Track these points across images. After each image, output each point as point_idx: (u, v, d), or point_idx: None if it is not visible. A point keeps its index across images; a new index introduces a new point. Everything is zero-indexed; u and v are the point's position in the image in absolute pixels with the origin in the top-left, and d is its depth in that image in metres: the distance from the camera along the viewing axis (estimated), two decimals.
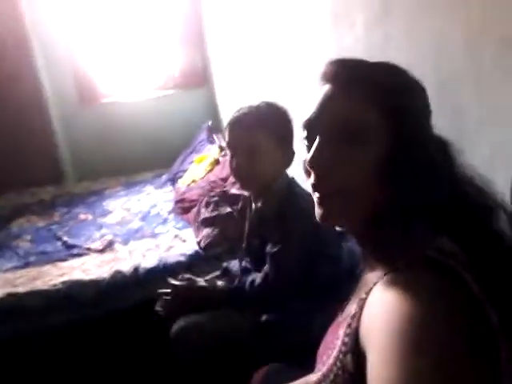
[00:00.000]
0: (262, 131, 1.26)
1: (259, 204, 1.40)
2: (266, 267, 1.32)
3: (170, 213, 2.54)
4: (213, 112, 3.66)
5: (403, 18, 1.24)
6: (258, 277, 1.35)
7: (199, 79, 3.69)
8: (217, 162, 2.78)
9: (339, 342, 0.55)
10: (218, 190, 2.29)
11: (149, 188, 3.04)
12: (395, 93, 0.56)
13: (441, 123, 0.60)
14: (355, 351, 0.49)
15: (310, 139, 0.60)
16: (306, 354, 1.29)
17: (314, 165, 0.56)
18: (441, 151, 0.56)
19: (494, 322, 0.44)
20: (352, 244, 1.41)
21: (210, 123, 3.37)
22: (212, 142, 3.17)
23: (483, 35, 1.00)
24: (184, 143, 3.40)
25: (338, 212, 0.58)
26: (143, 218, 2.53)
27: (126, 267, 1.95)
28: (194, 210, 2.33)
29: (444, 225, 0.54)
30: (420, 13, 1.17)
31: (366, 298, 0.51)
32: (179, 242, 2.14)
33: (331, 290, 1.30)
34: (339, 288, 1.30)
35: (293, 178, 1.36)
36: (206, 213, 2.14)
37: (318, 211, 0.59)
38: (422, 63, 1.11)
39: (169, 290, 1.48)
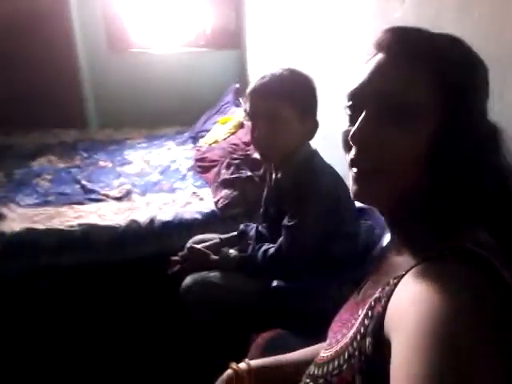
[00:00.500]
0: (283, 100, 1.21)
1: (279, 174, 1.38)
2: (281, 239, 1.31)
3: (189, 170, 2.54)
4: (242, 75, 3.60)
5: None
6: (271, 247, 1.34)
7: (232, 40, 3.61)
8: (241, 125, 2.74)
9: (357, 323, 0.54)
10: (240, 153, 2.27)
11: (170, 143, 3.03)
12: (456, 68, 0.52)
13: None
14: (377, 336, 0.47)
15: (354, 110, 0.56)
16: (311, 324, 1.31)
17: (357, 139, 0.53)
18: (492, 138, 0.53)
19: None
20: (371, 222, 1.42)
21: (237, 86, 3.32)
22: (238, 104, 3.12)
23: None
24: (209, 103, 3.36)
25: (374, 191, 0.55)
26: (162, 172, 2.54)
27: (142, 218, 1.97)
28: (214, 170, 2.33)
29: (483, 216, 0.52)
30: None
31: (395, 285, 0.48)
32: (196, 199, 2.14)
33: (345, 267, 1.30)
34: (354, 265, 1.32)
35: (315, 151, 1.33)
36: (226, 174, 2.13)
37: (353, 187, 0.56)
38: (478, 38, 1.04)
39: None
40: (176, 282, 1.48)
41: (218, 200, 2.02)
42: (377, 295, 0.52)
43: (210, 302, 1.42)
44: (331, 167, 1.32)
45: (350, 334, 0.55)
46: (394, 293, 0.47)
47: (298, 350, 0.90)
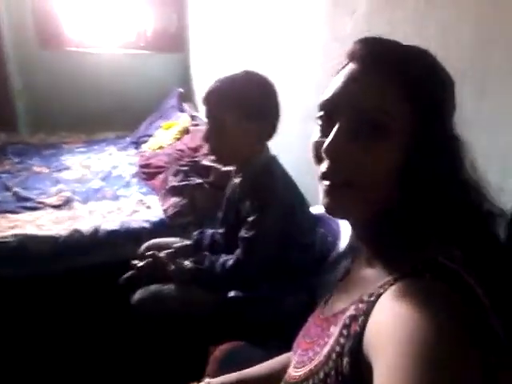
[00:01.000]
0: (227, 106, 1.18)
1: (238, 179, 1.37)
2: (238, 251, 1.30)
3: (133, 176, 2.45)
4: (185, 79, 3.55)
5: (409, 8, 1.23)
6: (229, 260, 1.32)
7: (174, 43, 3.55)
8: (186, 130, 2.71)
9: (331, 341, 0.53)
10: (187, 160, 2.24)
11: (111, 148, 2.92)
12: (427, 81, 0.52)
13: None
14: (355, 356, 0.47)
15: (326, 121, 0.55)
16: (270, 334, 1.32)
17: (330, 153, 0.52)
18: (459, 151, 0.53)
19: (498, 331, 0.44)
20: (323, 230, 1.46)
21: (181, 90, 3.27)
22: (182, 109, 3.08)
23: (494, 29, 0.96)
24: (151, 107, 3.28)
25: (346, 204, 0.54)
26: (104, 179, 2.43)
27: (85, 227, 1.87)
28: (161, 176, 2.27)
29: (452, 229, 0.52)
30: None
31: (373, 303, 0.48)
32: (143, 207, 2.07)
33: (302, 275, 1.33)
34: (310, 273, 1.35)
35: (274, 157, 1.32)
36: (174, 181, 2.09)
37: (324, 200, 0.55)
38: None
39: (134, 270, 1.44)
40: (125, 294, 1.42)
41: (167, 208, 1.97)
42: (352, 313, 0.51)
43: (164, 314, 1.37)
44: (288, 175, 1.33)
45: (324, 352, 0.54)
46: (373, 312, 0.47)
47: (258, 361, 0.89)
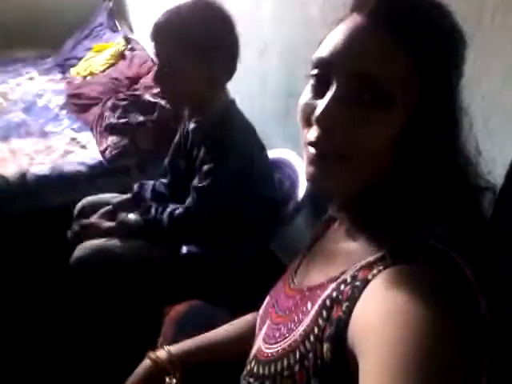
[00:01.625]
0: (178, 43, 1.03)
1: (192, 124, 1.23)
2: (189, 200, 1.19)
3: (61, 108, 2.16)
4: None
5: None
6: (177, 209, 1.21)
7: None
8: (121, 55, 2.40)
9: (308, 321, 0.50)
10: (127, 92, 1.99)
11: (32, 72, 2.53)
12: (444, 50, 0.46)
13: None
14: (337, 344, 0.44)
15: (319, 81, 0.48)
16: (227, 292, 1.28)
17: (323, 122, 0.46)
18: (461, 124, 0.49)
19: (483, 312, 0.43)
20: (280, 176, 1.39)
21: (110, 4, 2.85)
22: (114, 29, 2.72)
23: None
24: (76, 22, 2.85)
25: (336, 178, 0.48)
26: (27, 110, 2.11)
27: (10, 171, 1.63)
28: (95, 110, 2.01)
29: (441, 207, 0.49)
30: None
31: (358, 289, 0.44)
32: (77, 147, 1.84)
33: (257, 229, 1.27)
34: (266, 225, 1.29)
35: (233, 101, 1.18)
36: (111, 118, 1.86)
37: (309, 168, 0.49)
38: None
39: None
40: (63, 247, 1.29)
41: (106, 149, 1.77)
42: (332, 294, 0.47)
43: (109, 274, 1.27)
44: (247, 121, 1.20)
45: (300, 331, 0.50)
46: (360, 299, 0.43)
47: (218, 322, 0.84)
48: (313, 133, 0.47)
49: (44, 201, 1.62)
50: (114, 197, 1.44)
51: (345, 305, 0.44)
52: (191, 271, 1.27)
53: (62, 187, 1.65)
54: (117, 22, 2.77)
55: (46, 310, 1.49)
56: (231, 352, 0.78)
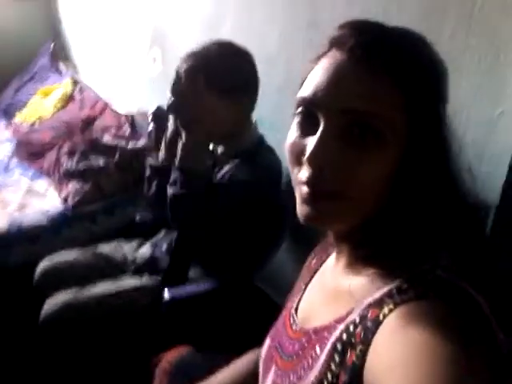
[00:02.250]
0: (206, 84, 1.06)
1: (218, 150, 1.20)
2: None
3: (11, 157, 2.04)
4: (54, 31, 3.01)
5: None
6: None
7: None
8: (70, 97, 2.32)
9: (319, 367, 0.47)
10: (83, 136, 1.92)
11: None
12: (427, 79, 0.46)
13: None
14: None
15: (306, 119, 0.48)
16: (219, 336, 1.24)
17: (315, 161, 0.45)
18: (453, 151, 0.49)
19: (502, 341, 0.42)
20: None
21: (52, 45, 2.77)
22: (58, 71, 2.63)
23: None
24: (16, 66, 2.74)
25: (332, 216, 0.48)
26: None
27: None
28: (50, 156, 1.92)
29: (446, 238, 0.49)
30: None
31: (371, 331, 0.42)
32: (35, 198, 1.74)
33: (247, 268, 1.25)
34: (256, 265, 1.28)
35: (261, 137, 1.18)
36: (69, 163, 1.78)
37: (303, 208, 0.48)
38: None
39: None
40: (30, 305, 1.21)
41: (67, 196, 1.69)
42: (342, 336, 0.45)
43: (84, 328, 1.20)
44: (277, 160, 1.16)
45: (311, 378, 0.48)
46: (375, 341, 0.42)
47: (212, 367, 0.81)
48: (304, 172, 0.47)
49: (4, 258, 1.51)
50: (74, 256, 1.37)
51: (358, 348, 0.42)
52: (176, 317, 1.22)
53: (23, 242, 1.55)
54: (61, 64, 2.69)
55: (20, 374, 1.37)
56: None
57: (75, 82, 2.42)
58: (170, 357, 1.01)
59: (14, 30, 2.91)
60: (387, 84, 0.44)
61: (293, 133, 0.49)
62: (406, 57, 0.45)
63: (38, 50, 2.78)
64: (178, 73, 1.09)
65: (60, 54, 2.78)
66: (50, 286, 1.28)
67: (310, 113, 0.47)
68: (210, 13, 1.57)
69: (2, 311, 1.39)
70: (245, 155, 1.11)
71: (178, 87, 1.09)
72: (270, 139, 1.19)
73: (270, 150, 1.16)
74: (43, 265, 1.35)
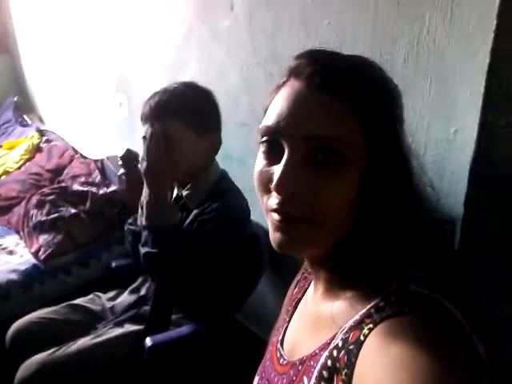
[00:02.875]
0: (180, 118, 1.08)
1: (185, 191, 1.19)
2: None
3: None
4: (18, 85, 3.00)
5: None
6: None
7: None
8: (37, 148, 2.29)
9: None
10: (52, 186, 1.88)
11: None
12: (382, 102, 0.48)
13: None
14: None
15: (270, 148, 0.49)
16: (201, 380, 1.20)
17: (282, 189, 0.46)
18: (412, 166, 0.50)
19: (481, 352, 0.42)
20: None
21: (15, 99, 2.76)
22: (23, 123, 2.61)
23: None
24: None
25: (303, 240, 0.48)
26: None
27: None
28: (17, 210, 1.87)
29: (413, 250, 0.49)
30: None
31: (353, 353, 0.42)
32: (4, 254, 1.67)
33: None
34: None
35: (224, 172, 1.20)
36: (39, 215, 1.73)
37: (276, 235, 0.48)
38: None
39: None
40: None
41: (38, 250, 1.63)
42: (327, 362, 0.45)
43: None
44: (241, 193, 1.19)
45: None
46: (358, 363, 0.42)
47: None
48: (273, 199, 0.47)
49: None
50: (48, 313, 1.29)
51: (343, 372, 0.42)
52: (159, 364, 1.17)
53: None
54: (25, 116, 2.67)
55: None
56: None
57: (41, 133, 2.40)
58: None
59: None
60: (346, 109, 0.45)
61: (259, 162, 0.49)
62: (361, 82, 0.46)
63: (1, 104, 2.76)
64: (146, 117, 1.10)
65: (24, 107, 2.77)
66: (24, 349, 1.21)
67: (274, 141, 0.48)
68: (174, 59, 1.61)
69: None
70: (212, 194, 1.13)
71: (150, 133, 1.09)
72: (238, 173, 1.21)
73: (234, 185, 1.19)
74: (16, 326, 1.27)
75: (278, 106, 0.48)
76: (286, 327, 0.63)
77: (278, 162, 0.47)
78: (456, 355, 0.38)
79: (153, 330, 1.20)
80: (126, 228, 1.24)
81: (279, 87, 0.50)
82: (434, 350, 0.38)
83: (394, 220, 0.48)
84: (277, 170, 0.46)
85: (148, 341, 1.17)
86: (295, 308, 0.64)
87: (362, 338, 0.42)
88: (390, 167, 0.47)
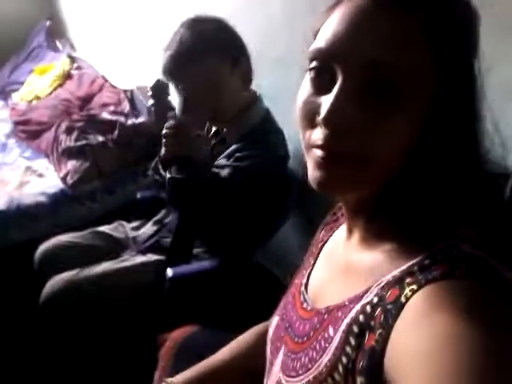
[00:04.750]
0: (211, 52, 1.04)
1: (224, 129, 1.17)
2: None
3: (8, 137, 2.00)
4: (50, 8, 2.92)
5: None
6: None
7: None
8: (68, 75, 2.26)
9: (333, 349, 0.44)
10: (81, 113, 1.87)
11: None
12: (459, 25, 0.40)
13: None
14: (372, 376, 0.39)
15: (320, 74, 0.43)
16: (224, 313, 1.21)
17: (332, 122, 0.40)
18: (481, 114, 0.43)
19: None
20: None
21: (48, 22, 2.70)
22: (55, 48, 2.57)
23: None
24: (12, 44, 2.68)
25: (347, 180, 0.43)
26: None
27: None
28: (47, 135, 1.88)
29: (467, 207, 0.44)
30: None
31: (392, 314, 0.39)
32: (34, 176, 1.70)
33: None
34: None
35: (268, 111, 1.16)
36: (68, 141, 1.73)
37: (317, 174, 0.43)
38: None
39: None
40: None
41: (66, 175, 1.64)
42: (358, 317, 0.42)
43: (87, 308, 1.17)
44: (285, 144, 1.15)
45: (324, 361, 0.44)
46: (397, 325, 0.38)
47: (218, 345, 0.76)
48: (319, 134, 0.42)
49: (4, 238, 1.48)
50: (75, 237, 1.33)
51: (378, 332, 0.39)
52: (179, 295, 1.19)
53: (22, 221, 1.51)
54: (57, 41, 2.62)
55: (21, 355, 1.35)
56: (240, 373, 0.71)
57: (72, 60, 2.35)
58: (176, 336, 0.97)
59: (10, 8, 2.83)
60: (416, 31, 0.39)
61: (304, 91, 0.44)
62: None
63: (34, 28, 2.71)
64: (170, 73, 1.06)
65: (56, 32, 2.71)
66: (50, 269, 1.25)
67: (325, 67, 0.42)
68: None
69: (2, 291, 1.37)
70: (255, 133, 1.10)
71: (180, 73, 1.06)
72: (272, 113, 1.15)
73: (278, 129, 1.14)
74: (43, 248, 1.32)
75: (334, 26, 0.41)
76: (311, 271, 0.59)
77: (329, 91, 0.41)
78: (509, 327, 0.34)
79: (174, 260, 1.21)
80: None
81: (334, 6, 0.43)
82: (490, 323, 0.34)
83: (450, 170, 0.43)
84: (326, 100, 0.41)
85: (169, 271, 1.19)
86: (320, 251, 0.61)
87: (403, 299, 0.38)
88: (458, 109, 0.41)
